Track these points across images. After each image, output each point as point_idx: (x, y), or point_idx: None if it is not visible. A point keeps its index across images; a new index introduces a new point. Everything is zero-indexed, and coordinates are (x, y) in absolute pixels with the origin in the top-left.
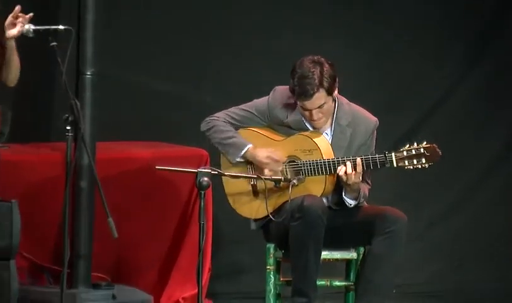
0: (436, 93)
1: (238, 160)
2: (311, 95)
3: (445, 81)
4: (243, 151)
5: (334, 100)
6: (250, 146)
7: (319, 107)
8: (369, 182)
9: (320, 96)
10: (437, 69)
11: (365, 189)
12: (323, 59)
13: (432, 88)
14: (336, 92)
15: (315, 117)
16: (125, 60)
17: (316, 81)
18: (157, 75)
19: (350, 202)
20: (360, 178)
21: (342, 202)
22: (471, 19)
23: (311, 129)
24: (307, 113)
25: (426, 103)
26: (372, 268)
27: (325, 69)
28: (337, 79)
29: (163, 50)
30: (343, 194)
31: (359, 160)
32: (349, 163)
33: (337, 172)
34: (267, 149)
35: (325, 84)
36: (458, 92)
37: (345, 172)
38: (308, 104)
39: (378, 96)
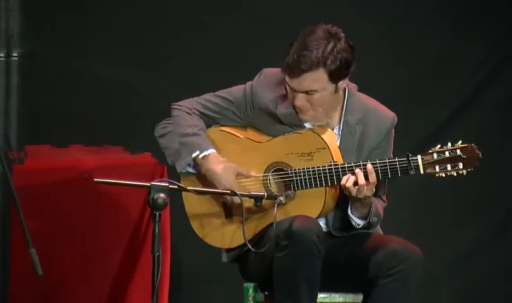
0: (470, 80)
1: (189, 170)
2: (301, 72)
3: (483, 65)
4: (193, 155)
5: (344, 91)
6: (212, 150)
7: (307, 93)
8: (384, 198)
9: (315, 78)
10: (473, 48)
11: (378, 206)
12: (343, 35)
13: (466, 74)
14: (344, 83)
15: (298, 103)
16: (63, 39)
17: (319, 55)
18: (104, 59)
19: (359, 222)
20: (374, 190)
21: (346, 227)
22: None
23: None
24: (291, 95)
25: (457, 93)
26: None
27: (338, 46)
28: (352, 68)
29: (112, 27)
30: (348, 210)
31: (370, 166)
32: (359, 171)
33: (342, 183)
34: (230, 167)
35: (330, 64)
36: (498, 75)
37: (354, 183)
38: (295, 82)
39: (393, 85)
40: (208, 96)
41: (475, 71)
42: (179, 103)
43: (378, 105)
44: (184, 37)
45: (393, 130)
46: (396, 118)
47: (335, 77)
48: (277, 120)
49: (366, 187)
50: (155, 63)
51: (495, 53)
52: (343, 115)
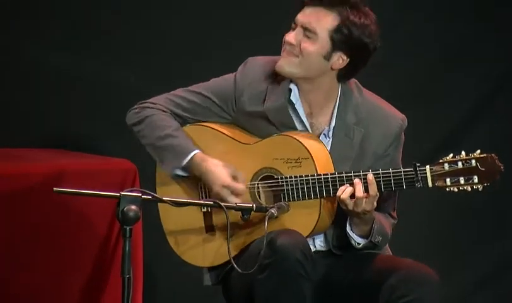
0: (488, 78)
1: (178, 173)
2: (318, 2)
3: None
4: (186, 160)
5: (340, 82)
6: (197, 152)
7: (305, 31)
8: (394, 214)
9: (323, 17)
10: (488, 44)
11: (385, 223)
12: (374, 19)
13: (483, 71)
14: (338, 62)
15: (291, 37)
16: (12, 23)
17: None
18: (58, 45)
19: (359, 240)
20: (375, 204)
21: (347, 246)
22: None
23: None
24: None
25: (473, 93)
26: None
27: (367, 22)
28: (363, 57)
29: (68, 10)
30: (347, 227)
31: (371, 176)
32: (358, 182)
33: (337, 194)
34: (226, 166)
35: (346, 20)
36: None
37: (352, 195)
38: (304, 12)
39: (399, 82)
40: (182, 92)
41: (492, 68)
42: (150, 100)
43: (385, 104)
44: (156, 24)
45: (403, 135)
46: (406, 121)
47: (338, 37)
48: (263, 119)
49: (364, 200)
50: (124, 55)
51: None
52: (335, 113)
